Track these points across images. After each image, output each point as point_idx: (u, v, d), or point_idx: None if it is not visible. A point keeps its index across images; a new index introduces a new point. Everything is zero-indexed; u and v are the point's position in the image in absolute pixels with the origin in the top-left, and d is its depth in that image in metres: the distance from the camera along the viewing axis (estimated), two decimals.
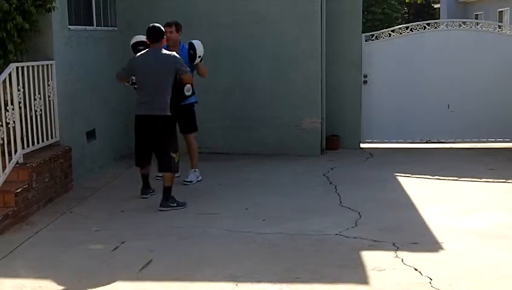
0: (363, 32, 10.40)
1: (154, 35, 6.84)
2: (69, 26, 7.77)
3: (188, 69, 6.98)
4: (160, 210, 6.62)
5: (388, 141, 10.57)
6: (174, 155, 6.78)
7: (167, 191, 6.73)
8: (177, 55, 6.88)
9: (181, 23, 9.60)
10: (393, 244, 5.46)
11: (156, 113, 6.70)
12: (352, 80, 10.22)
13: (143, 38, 7.28)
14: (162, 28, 6.98)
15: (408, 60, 10.42)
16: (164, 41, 7.07)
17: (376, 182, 7.92)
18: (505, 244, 5.48)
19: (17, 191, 6.22)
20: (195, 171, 7.89)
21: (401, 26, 11.06)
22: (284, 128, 9.58)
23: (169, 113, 6.80)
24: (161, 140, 6.77)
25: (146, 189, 7.21)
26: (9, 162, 6.28)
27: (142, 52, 6.95)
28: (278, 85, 9.57)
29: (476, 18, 25.14)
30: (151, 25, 6.93)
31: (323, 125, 9.87)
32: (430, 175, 8.22)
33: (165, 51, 6.89)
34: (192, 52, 7.47)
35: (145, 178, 7.21)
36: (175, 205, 6.71)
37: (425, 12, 32.86)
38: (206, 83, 9.65)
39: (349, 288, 4.63)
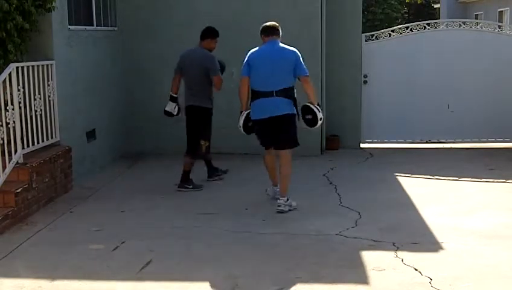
0: (363, 32, 10.41)
1: (202, 34, 7.66)
2: (69, 26, 7.77)
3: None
4: (178, 190, 7.47)
5: (388, 141, 10.58)
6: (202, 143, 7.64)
7: (185, 175, 7.55)
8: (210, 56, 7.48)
9: (181, 23, 9.68)
10: (393, 244, 5.46)
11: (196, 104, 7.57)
12: (352, 80, 10.22)
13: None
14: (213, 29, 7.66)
15: (408, 60, 10.43)
16: (204, 43, 7.63)
17: (376, 182, 7.92)
18: (505, 244, 5.48)
19: (17, 191, 6.22)
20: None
21: (401, 26, 11.07)
22: None
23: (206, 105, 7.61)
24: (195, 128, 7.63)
25: (213, 171, 7.97)
26: (9, 162, 6.28)
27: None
28: None
29: (476, 18, 25.14)
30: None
31: (323, 125, 9.86)
32: (430, 175, 8.22)
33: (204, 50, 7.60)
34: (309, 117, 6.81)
35: (208, 163, 7.96)
36: (191, 187, 7.50)
37: (425, 12, 32.81)
38: None
39: (349, 288, 4.63)
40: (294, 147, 6.76)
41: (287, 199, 6.64)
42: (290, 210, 6.58)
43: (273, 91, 6.54)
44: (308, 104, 6.66)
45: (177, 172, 8.59)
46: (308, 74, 6.59)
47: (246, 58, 6.74)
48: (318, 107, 6.70)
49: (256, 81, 6.62)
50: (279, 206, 6.56)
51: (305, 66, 6.62)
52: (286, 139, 6.69)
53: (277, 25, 6.80)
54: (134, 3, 9.67)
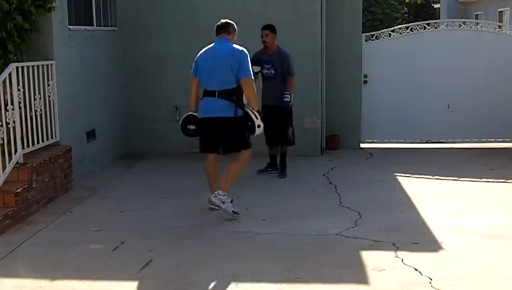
0: (363, 32, 10.41)
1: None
2: (69, 26, 7.77)
3: None
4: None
5: (388, 141, 10.58)
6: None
7: (284, 157, 8.21)
8: None
9: (181, 23, 9.67)
10: (393, 245, 5.46)
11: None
12: (352, 80, 10.22)
13: None
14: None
15: (408, 60, 10.43)
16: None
17: (376, 182, 7.92)
18: (505, 244, 5.48)
19: (17, 191, 6.21)
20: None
21: (401, 26, 11.07)
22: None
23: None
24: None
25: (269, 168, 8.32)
26: (9, 162, 6.28)
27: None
28: None
29: (476, 18, 25.13)
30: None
31: (323, 125, 9.87)
32: (430, 175, 8.22)
33: None
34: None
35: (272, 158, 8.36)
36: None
37: (425, 12, 32.81)
38: None
39: (349, 288, 4.63)
40: (246, 149, 6.37)
41: (224, 195, 6.29)
42: (219, 207, 6.25)
43: (215, 91, 6.23)
44: (247, 110, 6.31)
45: (177, 172, 8.63)
46: (249, 76, 6.23)
47: (195, 58, 6.52)
48: (257, 113, 6.31)
49: (202, 79, 6.37)
50: (210, 202, 6.32)
51: (250, 68, 6.26)
52: (234, 142, 6.32)
53: (228, 22, 6.52)
54: (134, 3, 9.67)
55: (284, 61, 7.96)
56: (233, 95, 6.23)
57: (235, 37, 6.57)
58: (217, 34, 6.49)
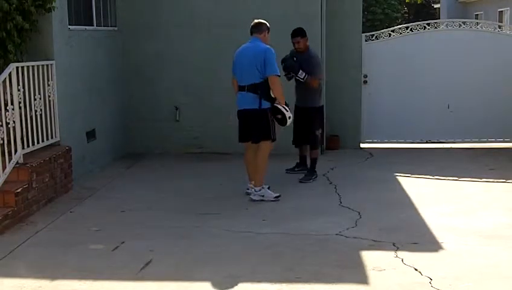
0: (363, 32, 10.41)
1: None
2: (69, 26, 7.78)
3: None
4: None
5: (388, 141, 10.59)
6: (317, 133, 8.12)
7: (312, 163, 8.06)
8: None
9: (181, 23, 9.67)
10: (393, 245, 5.46)
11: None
12: (352, 80, 10.23)
13: None
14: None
15: (408, 60, 10.43)
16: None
17: (376, 182, 7.92)
18: (505, 244, 5.48)
19: (17, 191, 6.21)
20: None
21: (401, 26, 11.08)
22: (284, 129, 9.56)
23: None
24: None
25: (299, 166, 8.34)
26: (9, 162, 6.28)
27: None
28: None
29: (476, 18, 25.12)
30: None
31: (324, 125, 9.86)
32: (430, 175, 8.22)
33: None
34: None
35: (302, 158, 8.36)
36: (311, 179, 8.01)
37: (425, 12, 32.82)
38: (206, 83, 9.69)
39: (349, 288, 4.63)
40: (267, 140, 6.97)
41: (260, 189, 6.99)
42: (262, 200, 6.91)
43: (245, 86, 6.91)
44: (276, 105, 6.89)
45: (177, 172, 8.63)
46: (275, 74, 6.81)
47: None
48: (286, 107, 6.92)
49: (235, 75, 7.05)
50: (249, 194, 7.06)
51: (275, 65, 6.83)
52: (257, 133, 6.97)
53: (260, 22, 7.11)
54: (134, 3, 9.67)
55: (308, 62, 7.92)
56: (259, 88, 6.82)
57: (267, 34, 7.11)
58: (251, 34, 7.10)
